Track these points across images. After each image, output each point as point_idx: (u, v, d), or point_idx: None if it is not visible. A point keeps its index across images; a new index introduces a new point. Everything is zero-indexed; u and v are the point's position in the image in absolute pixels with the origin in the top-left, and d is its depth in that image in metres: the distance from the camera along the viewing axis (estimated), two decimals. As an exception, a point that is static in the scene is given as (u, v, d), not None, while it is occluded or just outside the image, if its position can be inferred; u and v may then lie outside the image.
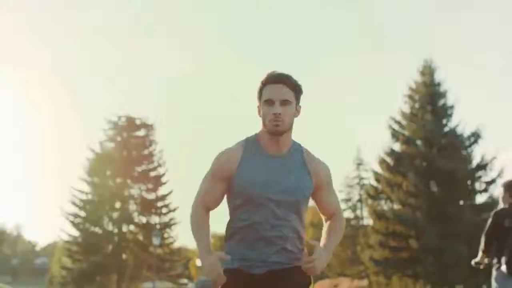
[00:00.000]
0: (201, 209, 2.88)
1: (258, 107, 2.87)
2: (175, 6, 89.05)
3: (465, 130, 28.56)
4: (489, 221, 6.07)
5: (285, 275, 2.82)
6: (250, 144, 2.88)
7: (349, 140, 74.36)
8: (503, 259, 5.88)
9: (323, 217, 3.04)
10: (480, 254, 6.12)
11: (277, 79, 2.80)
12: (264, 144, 2.85)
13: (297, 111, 2.86)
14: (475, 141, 28.35)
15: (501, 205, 6.19)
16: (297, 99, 2.85)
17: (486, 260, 6.10)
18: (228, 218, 2.96)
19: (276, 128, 2.77)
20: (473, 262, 6.27)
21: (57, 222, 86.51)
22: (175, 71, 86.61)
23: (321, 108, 71.40)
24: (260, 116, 2.85)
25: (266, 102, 2.79)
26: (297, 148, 2.90)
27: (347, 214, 39.78)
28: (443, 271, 26.42)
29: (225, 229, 2.94)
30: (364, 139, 66.04)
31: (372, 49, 77.01)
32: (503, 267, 5.87)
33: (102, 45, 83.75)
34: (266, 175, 2.80)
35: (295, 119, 2.86)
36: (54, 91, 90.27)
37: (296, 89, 2.83)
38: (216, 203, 2.92)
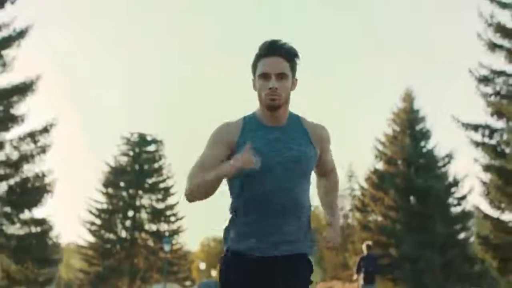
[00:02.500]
0: (199, 171, 2.81)
1: (252, 80, 2.88)
2: (176, 7, 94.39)
3: (440, 151, 34.25)
4: (358, 259, 12.70)
5: (292, 262, 2.86)
6: (249, 118, 2.92)
7: (346, 145, 79.31)
8: (361, 276, 12.45)
9: (315, 173, 3.14)
10: (355, 275, 12.66)
11: (273, 52, 2.80)
12: (262, 118, 2.88)
13: (293, 84, 2.87)
14: (449, 162, 34.01)
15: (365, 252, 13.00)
16: (294, 70, 2.86)
17: (358, 278, 12.52)
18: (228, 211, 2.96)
19: (273, 103, 2.79)
20: (353, 278, 12.53)
21: (59, 226, 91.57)
22: (176, 74, 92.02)
23: (319, 111, 76.68)
24: (255, 90, 2.87)
25: (261, 76, 2.80)
26: (294, 118, 2.94)
27: (340, 222, 45.43)
28: (419, 277, 32.01)
29: (229, 209, 2.95)
30: (361, 142, 71.24)
31: (372, 51, 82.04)
32: (361, 281, 12.47)
33: (102, 46, 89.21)
34: (267, 145, 2.82)
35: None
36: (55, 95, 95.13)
37: (293, 61, 2.85)
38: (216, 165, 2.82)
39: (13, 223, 22.17)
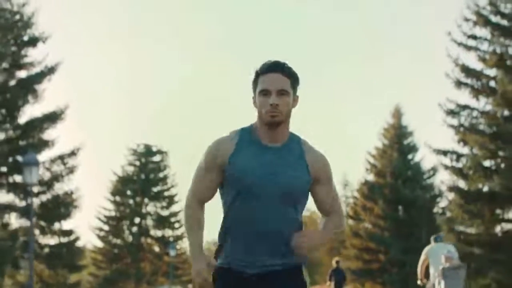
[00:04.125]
0: (195, 204, 2.95)
1: (253, 98, 2.93)
2: (176, 7, 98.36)
3: (425, 164, 38.70)
4: (330, 271, 17.00)
5: (279, 278, 2.88)
6: (246, 133, 2.93)
7: (343, 152, 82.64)
8: (332, 283, 16.70)
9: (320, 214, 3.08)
10: (328, 282, 16.82)
11: (273, 68, 2.87)
12: (260, 135, 2.90)
13: (295, 101, 2.92)
14: (434, 174, 38.46)
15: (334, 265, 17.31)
16: (294, 88, 2.91)
17: (331, 284, 16.73)
18: (222, 215, 3.00)
19: (274, 119, 2.83)
20: (326, 284, 17.02)
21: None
22: (176, 75, 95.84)
23: (319, 114, 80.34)
24: (255, 107, 2.91)
25: (262, 92, 2.85)
26: (295, 140, 2.94)
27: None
28: (405, 280, 36.36)
29: (219, 228, 2.98)
30: (359, 147, 74.87)
31: (372, 53, 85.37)
32: (333, 287, 16.70)
33: (103, 47, 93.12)
34: (261, 166, 2.84)
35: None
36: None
37: (293, 79, 2.90)
38: (210, 195, 2.97)
39: (45, 234, 26.91)
